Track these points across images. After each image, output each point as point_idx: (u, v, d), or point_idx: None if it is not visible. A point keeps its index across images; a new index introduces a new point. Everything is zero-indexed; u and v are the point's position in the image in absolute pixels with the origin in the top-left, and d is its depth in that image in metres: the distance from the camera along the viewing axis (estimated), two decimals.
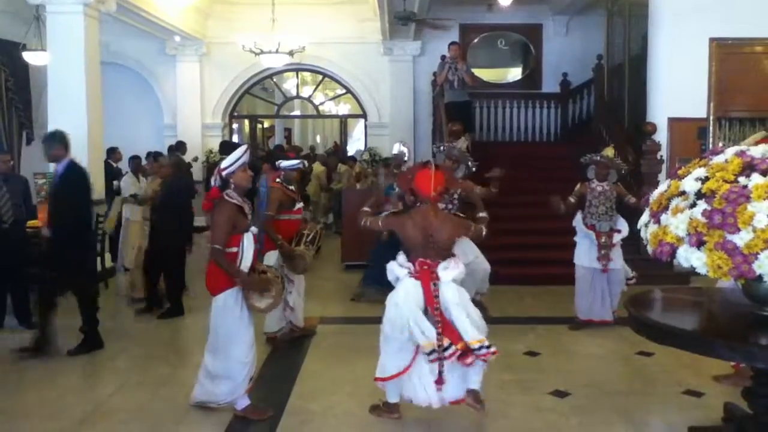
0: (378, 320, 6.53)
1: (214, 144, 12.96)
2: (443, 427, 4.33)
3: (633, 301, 3.90)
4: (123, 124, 13.00)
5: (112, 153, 10.62)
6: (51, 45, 8.81)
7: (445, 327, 4.03)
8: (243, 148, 4.42)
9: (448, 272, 4.15)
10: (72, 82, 8.62)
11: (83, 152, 8.60)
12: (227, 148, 10.12)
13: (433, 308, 4.08)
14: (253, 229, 4.44)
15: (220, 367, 4.38)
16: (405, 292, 4.13)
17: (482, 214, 4.54)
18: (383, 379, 4.26)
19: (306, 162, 9.49)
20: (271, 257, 5.67)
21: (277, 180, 5.90)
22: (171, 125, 13.69)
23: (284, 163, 5.96)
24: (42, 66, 9.73)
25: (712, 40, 8.96)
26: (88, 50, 8.71)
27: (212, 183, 4.39)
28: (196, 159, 12.79)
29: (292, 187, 5.95)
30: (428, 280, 4.11)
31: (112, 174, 9.92)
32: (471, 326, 4.02)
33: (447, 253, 4.25)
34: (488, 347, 4.00)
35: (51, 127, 8.71)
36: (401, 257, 4.27)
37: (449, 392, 4.15)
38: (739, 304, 3.60)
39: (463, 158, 6.35)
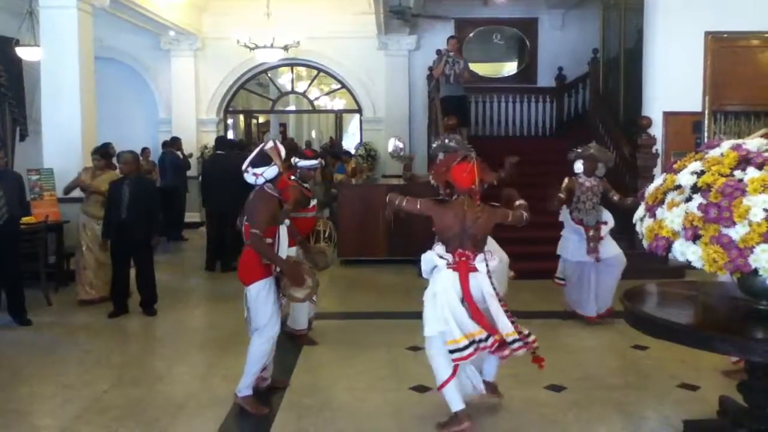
0: (374, 315, 6.52)
1: (209, 139, 12.92)
2: (437, 422, 4.32)
3: (628, 295, 3.90)
4: (117, 119, 12.98)
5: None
6: (44, 40, 8.77)
7: (479, 318, 4.04)
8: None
9: (486, 264, 4.18)
10: (66, 78, 8.57)
11: (77, 148, 8.60)
12: (222, 143, 10.12)
13: (468, 299, 4.07)
14: (287, 221, 4.53)
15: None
16: (443, 283, 4.12)
17: (520, 201, 4.48)
18: (445, 384, 4.11)
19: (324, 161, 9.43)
20: (291, 253, 5.66)
21: (292, 178, 5.90)
22: (166, 120, 13.66)
23: (302, 163, 5.94)
24: (35, 62, 9.67)
25: (707, 33, 8.95)
26: (82, 45, 8.67)
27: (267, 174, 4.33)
28: (191, 155, 12.77)
29: (307, 185, 5.97)
30: (466, 270, 4.12)
31: None
32: (506, 319, 4.06)
33: (483, 245, 4.26)
34: (523, 340, 4.04)
35: (45, 123, 8.74)
36: (439, 247, 4.25)
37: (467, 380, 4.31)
38: (735, 298, 3.60)
39: (463, 147, 6.30)
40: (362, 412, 4.46)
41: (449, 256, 4.16)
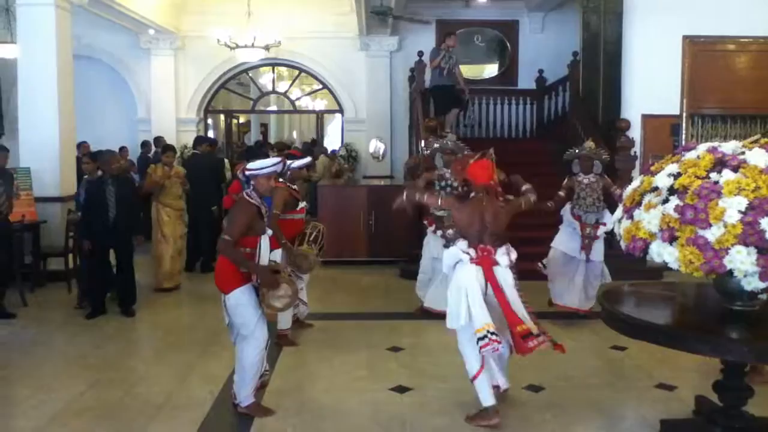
0: (354, 316, 6.49)
1: (189, 139, 12.77)
2: (417, 423, 4.33)
3: (606, 296, 3.94)
4: (96, 118, 12.83)
5: (79, 147, 10.42)
6: (22, 38, 8.64)
7: (507, 308, 4.16)
8: (277, 160, 4.43)
9: (506, 257, 4.32)
10: (43, 76, 8.45)
11: (55, 148, 8.50)
12: (200, 142, 10.03)
13: (497, 290, 4.20)
14: (269, 231, 4.44)
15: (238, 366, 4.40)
16: (467, 276, 4.23)
17: (526, 186, 4.71)
18: (477, 376, 4.24)
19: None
20: (276, 256, 5.62)
21: (281, 180, 5.87)
22: (145, 120, 13.51)
23: (295, 164, 5.91)
24: (12, 59, 9.54)
25: (685, 37, 9.06)
26: (60, 43, 8.55)
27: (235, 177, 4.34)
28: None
29: (295, 187, 5.94)
30: (489, 264, 4.25)
31: (81, 169, 9.73)
32: (526, 312, 4.20)
33: (502, 239, 4.39)
34: (542, 333, 4.16)
35: (22, 122, 8.63)
36: (461, 243, 4.34)
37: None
38: (711, 299, 3.65)
39: (459, 149, 6.52)
40: (342, 412, 4.45)
41: (472, 251, 4.28)
